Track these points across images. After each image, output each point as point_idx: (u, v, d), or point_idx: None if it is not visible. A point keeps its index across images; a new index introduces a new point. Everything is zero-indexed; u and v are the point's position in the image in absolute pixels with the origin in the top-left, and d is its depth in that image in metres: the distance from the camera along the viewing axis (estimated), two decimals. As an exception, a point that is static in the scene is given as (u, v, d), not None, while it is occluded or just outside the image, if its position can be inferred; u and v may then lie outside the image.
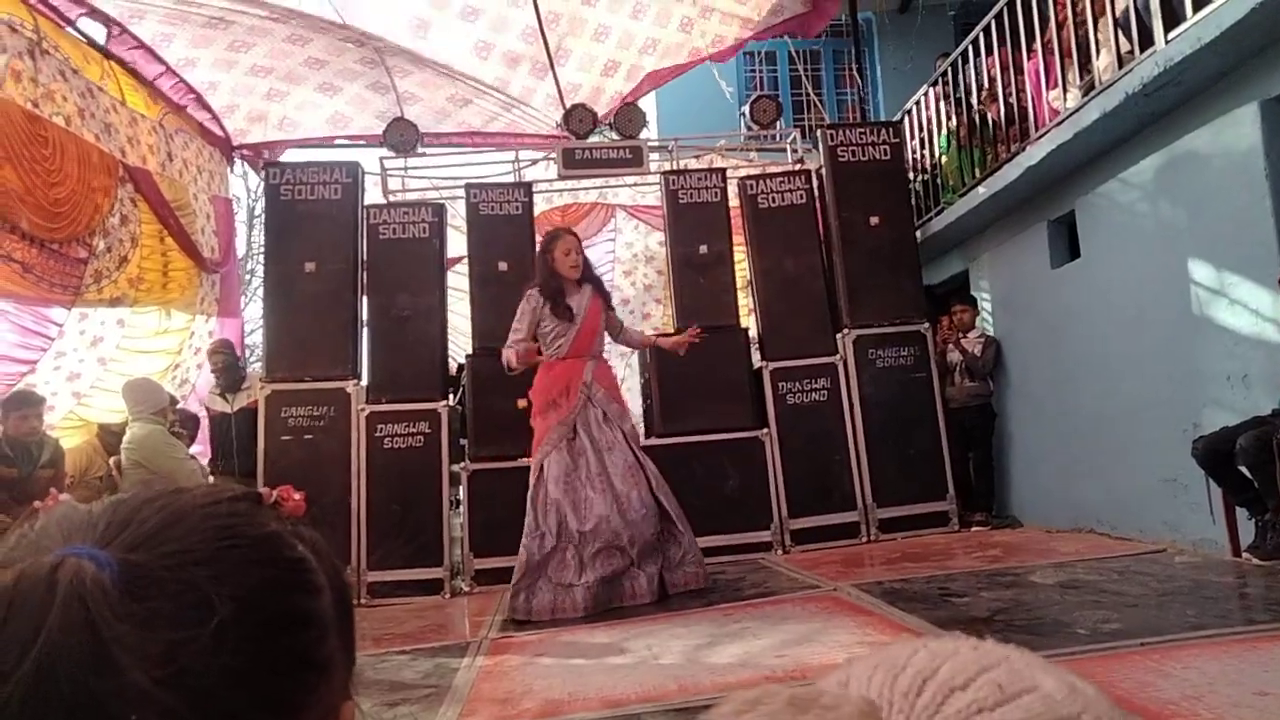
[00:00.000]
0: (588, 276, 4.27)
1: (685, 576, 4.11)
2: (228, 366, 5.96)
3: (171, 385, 6.02)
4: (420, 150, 6.40)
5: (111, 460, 5.28)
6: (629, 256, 9.55)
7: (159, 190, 5.65)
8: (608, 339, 4.37)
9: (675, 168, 6.45)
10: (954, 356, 5.94)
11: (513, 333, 4.16)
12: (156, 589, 0.42)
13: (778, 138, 6.87)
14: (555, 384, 4.11)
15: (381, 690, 2.87)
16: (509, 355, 4.08)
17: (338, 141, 7.31)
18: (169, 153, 6.05)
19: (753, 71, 10.13)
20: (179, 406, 5.94)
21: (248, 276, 12.04)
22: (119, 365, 5.60)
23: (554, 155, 6.35)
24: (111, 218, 5.17)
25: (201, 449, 6.05)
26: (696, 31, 7.02)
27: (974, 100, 6.02)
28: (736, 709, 0.40)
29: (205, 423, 6.12)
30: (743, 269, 6.29)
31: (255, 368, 6.55)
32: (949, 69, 6.36)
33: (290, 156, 7.20)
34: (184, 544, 0.44)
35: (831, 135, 6.03)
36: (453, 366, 6.62)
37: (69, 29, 5.28)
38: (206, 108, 6.63)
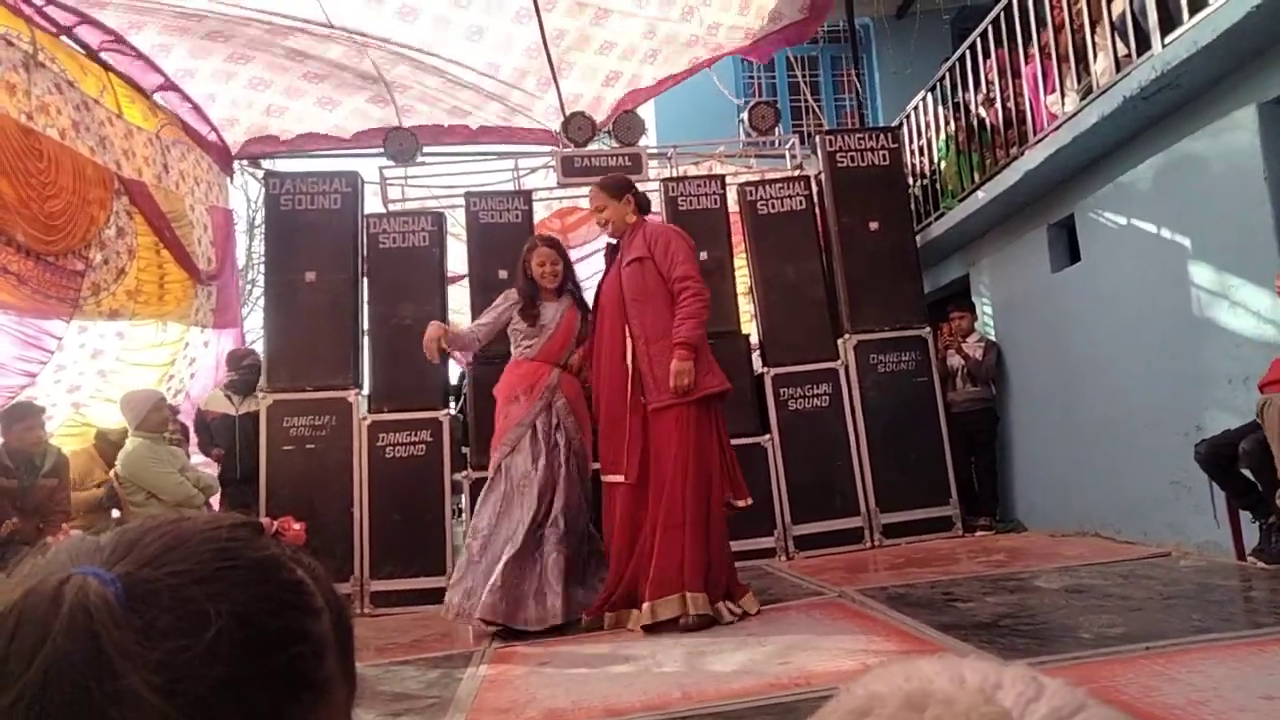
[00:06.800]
0: (567, 288, 4.25)
1: (592, 600, 3.92)
2: (255, 367, 5.84)
3: (166, 396, 5.98)
4: (419, 159, 6.41)
5: (112, 472, 5.27)
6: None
7: (155, 202, 5.65)
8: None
9: (674, 175, 6.45)
10: (955, 361, 5.94)
11: (480, 316, 4.26)
12: (157, 603, 0.44)
13: (776, 144, 6.88)
14: (520, 381, 4.08)
15: (385, 700, 2.86)
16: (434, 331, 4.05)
17: (346, 146, 7.29)
18: (165, 164, 6.04)
19: (751, 78, 10.15)
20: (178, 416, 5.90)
21: (248, 286, 12.04)
22: (118, 377, 5.60)
23: (553, 164, 6.36)
24: (108, 230, 5.16)
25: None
26: (700, 45, 7.06)
27: (972, 105, 6.03)
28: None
29: (193, 424, 6.07)
30: (743, 275, 6.29)
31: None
32: (946, 74, 6.37)
33: (289, 166, 7.21)
34: (185, 564, 0.47)
35: (830, 141, 6.03)
36: (454, 375, 6.60)
37: (66, 40, 5.29)
38: (205, 119, 6.65)
